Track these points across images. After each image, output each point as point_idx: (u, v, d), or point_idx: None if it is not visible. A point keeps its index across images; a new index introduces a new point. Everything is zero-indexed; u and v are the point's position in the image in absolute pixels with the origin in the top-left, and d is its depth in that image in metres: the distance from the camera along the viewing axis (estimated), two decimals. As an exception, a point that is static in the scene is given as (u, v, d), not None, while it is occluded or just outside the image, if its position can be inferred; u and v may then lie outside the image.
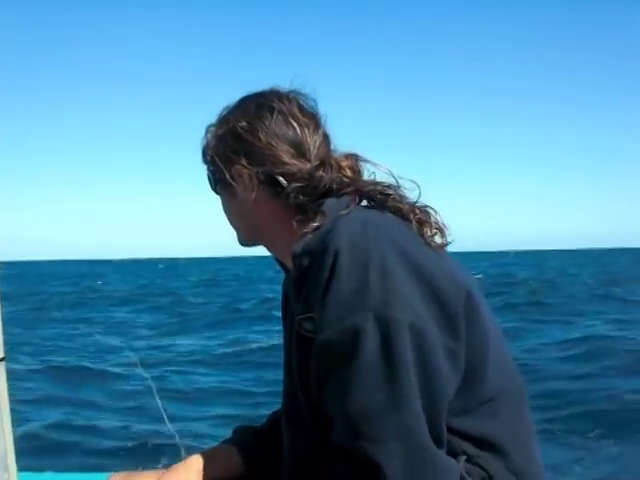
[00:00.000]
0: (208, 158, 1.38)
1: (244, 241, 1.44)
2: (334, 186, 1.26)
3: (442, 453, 1.11)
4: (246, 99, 1.38)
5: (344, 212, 1.21)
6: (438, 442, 1.10)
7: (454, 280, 1.16)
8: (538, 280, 33.25)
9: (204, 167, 1.43)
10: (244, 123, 1.31)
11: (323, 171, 1.27)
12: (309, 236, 1.22)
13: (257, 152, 1.30)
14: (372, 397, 1.07)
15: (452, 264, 1.23)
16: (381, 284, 1.09)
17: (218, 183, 1.39)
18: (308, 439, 1.26)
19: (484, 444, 1.17)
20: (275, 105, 1.32)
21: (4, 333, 1.29)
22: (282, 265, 1.42)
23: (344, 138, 1.39)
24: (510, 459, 1.19)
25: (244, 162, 1.31)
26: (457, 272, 1.21)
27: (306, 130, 1.31)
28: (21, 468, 1.40)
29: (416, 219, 1.23)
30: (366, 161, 1.33)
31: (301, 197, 1.27)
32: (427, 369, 1.09)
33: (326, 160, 1.29)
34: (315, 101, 1.37)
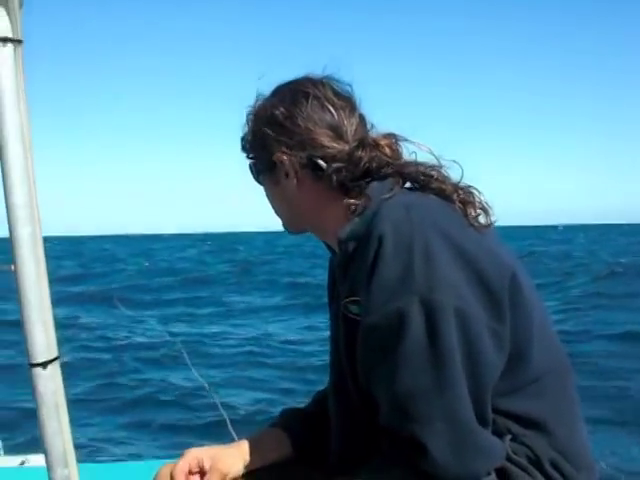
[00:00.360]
0: (248, 148, 1.42)
1: (290, 228, 1.45)
2: (373, 165, 1.28)
3: (487, 433, 1.14)
4: (281, 87, 1.39)
5: (388, 195, 1.23)
6: (483, 422, 1.13)
7: (498, 262, 1.18)
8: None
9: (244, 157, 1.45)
10: (282, 110, 1.33)
11: (362, 151, 1.28)
12: (354, 220, 1.24)
13: (296, 137, 1.31)
14: (418, 379, 1.10)
15: (497, 244, 1.25)
16: (425, 268, 1.11)
17: (260, 172, 1.41)
18: (356, 416, 1.30)
19: (530, 423, 1.20)
20: (310, 91, 1.34)
21: (57, 331, 1.31)
22: (328, 247, 1.45)
23: (376, 105, 1.43)
24: (555, 437, 1.21)
25: (284, 148, 1.32)
26: (502, 253, 1.22)
27: (342, 113, 1.33)
28: (81, 461, 1.42)
29: (459, 200, 1.25)
30: (405, 140, 1.33)
31: (342, 178, 1.28)
32: (472, 352, 1.11)
33: (364, 140, 1.30)
34: (350, 85, 1.38)
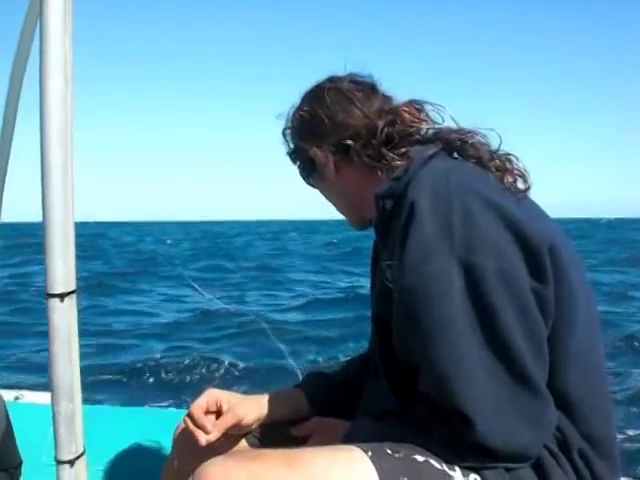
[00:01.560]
0: (293, 158, 1.48)
1: (355, 222, 1.48)
2: (394, 131, 1.31)
3: (542, 401, 1.10)
4: (305, 93, 1.45)
5: (426, 158, 1.23)
6: (539, 388, 1.10)
7: (538, 227, 1.15)
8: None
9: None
10: (306, 109, 1.41)
11: (379, 120, 1.33)
12: (396, 175, 1.25)
13: (322, 129, 1.38)
14: (463, 343, 1.07)
15: (537, 212, 1.24)
16: (464, 229, 1.09)
17: (308, 175, 1.47)
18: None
19: (567, 404, 1.16)
20: (326, 85, 1.41)
21: (76, 266, 1.30)
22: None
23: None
24: (588, 423, 1.18)
25: (315, 143, 1.39)
26: (542, 222, 1.21)
27: (361, 95, 1.38)
28: (84, 401, 1.42)
29: (495, 167, 1.24)
30: (426, 103, 1.36)
31: (370, 151, 1.33)
32: (521, 309, 1.08)
33: (381, 110, 1.35)
34: (370, 75, 1.44)
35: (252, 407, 1.46)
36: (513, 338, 1.07)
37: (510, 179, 1.23)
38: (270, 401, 1.49)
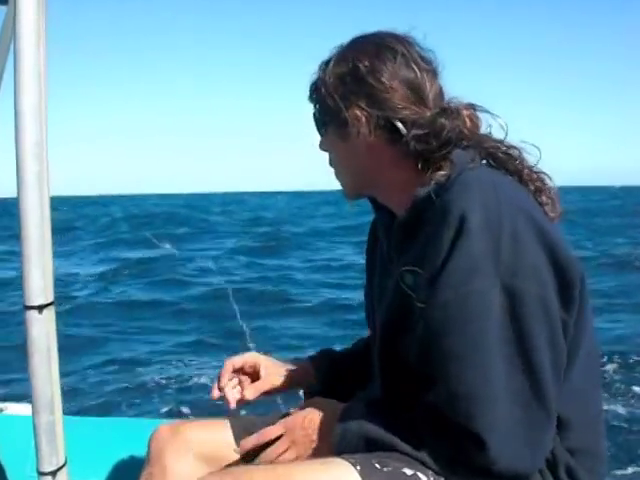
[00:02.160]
0: (321, 97, 1.31)
1: (350, 192, 1.38)
2: (453, 136, 1.21)
3: (551, 426, 1.11)
4: (363, 39, 1.31)
5: (472, 166, 1.18)
6: (552, 415, 1.11)
7: (573, 256, 1.14)
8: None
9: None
10: (365, 63, 1.25)
11: (444, 119, 1.22)
12: (438, 180, 1.19)
13: (378, 95, 1.24)
14: (495, 363, 1.05)
15: (564, 239, 1.19)
16: (512, 252, 1.07)
17: (329, 124, 1.33)
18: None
19: (558, 422, 1.15)
20: (397, 47, 1.26)
21: (54, 277, 1.30)
22: (377, 207, 1.42)
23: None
24: (577, 439, 1.18)
25: (363, 104, 1.25)
26: (571, 250, 1.17)
27: (426, 76, 1.26)
28: (67, 412, 1.42)
29: (534, 186, 1.22)
30: (484, 111, 1.27)
31: (422, 146, 1.21)
32: (552, 337, 1.08)
33: (447, 108, 1.24)
34: (432, 50, 1.31)
35: (280, 376, 1.56)
36: (543, 365, 1.06)
37: (545, 200, 1.21)
38: (291, 371, 1.57)
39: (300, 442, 1.26)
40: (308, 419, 1.28)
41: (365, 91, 1.24)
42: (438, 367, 1.09)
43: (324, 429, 1.25)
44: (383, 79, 1.23)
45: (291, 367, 1.58)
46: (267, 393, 1.54)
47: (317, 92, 1.32)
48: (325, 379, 1.58)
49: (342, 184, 1.38)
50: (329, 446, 1.21)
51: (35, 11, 1.25)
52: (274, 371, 1.55)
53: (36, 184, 1.23)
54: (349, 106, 1.26)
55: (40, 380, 1.27)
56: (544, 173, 1.25)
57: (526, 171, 1.22)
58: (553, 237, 1.11)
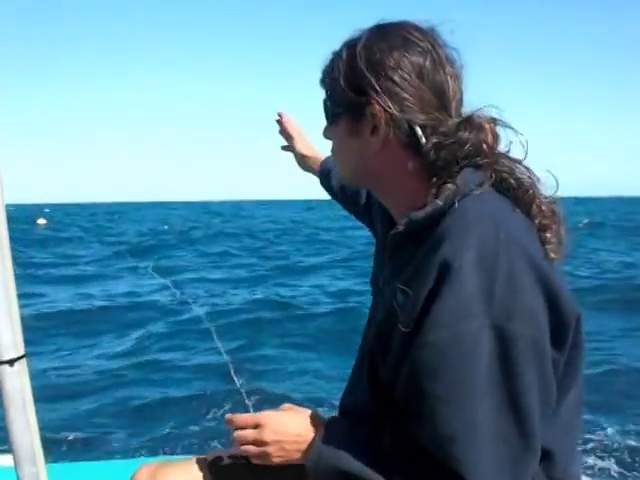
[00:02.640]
0: (337, 85, 1.22)
1: (349, 180, 1.37)
2: (473, 151, 1.16)
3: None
4: (390, 29, 1.22)
5: (477, 192, 1.13)
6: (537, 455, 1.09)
7: (569, 297, 1.11)
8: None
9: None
10: (394, 57, 1.16)
11: (468, 131, 1.15)
12: (434, 205, 1.13)
13: (400, 94, 1.15)
14: (483, 406, 1.02)
15: (564, 280, 1.16)
16: (506, 292, 1.03)
17: (342, 115, 1.25)
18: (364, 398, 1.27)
19: (542, 452, 1.13)
20: (426, 46, 1.18)
21: (24, 331, 1.31)
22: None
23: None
24: (554, 467, 1.18)
25: (385, 102, 1.16)
26: (568, 291, 1.14)
27: (451, 80, 1.19)
28: (52, 460, 1.42)
29: (541, 223, 1.16)
30: (507, 127, 1.20)
31: (439, 155, 1.15)
32: (543, 379, 1.06)
33: (471, 119, 1.17)
34: (457, 50, 1.22)
35: (306, 148, 2.05)
36: (532, 407, 1.04)
37: (549, 238, 1.14)
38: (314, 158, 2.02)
39: (269, 444, 1.22)
40: (282, 424, 1.24)
41: (389, 88, 1.15)
42: (423, 406, 1.06)
43: (295, 442, 1.22)
44: (410, 79, 1.15)
45: (314, 158, 2.03)
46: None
47: (332, 79, 1.23)
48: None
49: (340, 170, 1.36)
50: (297, 460, 1.21)
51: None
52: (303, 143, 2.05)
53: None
54: (369, 101, 1.17)
55: (18, 433, 1.28)
56: (555, 203, 1.18)
57: (537, 202, 1.16)
58: (551, 277, 1.07)
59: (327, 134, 1.33)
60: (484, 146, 1.16)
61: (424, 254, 1.10)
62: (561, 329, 1.08)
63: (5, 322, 1.27)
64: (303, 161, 2.06)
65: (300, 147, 2.05)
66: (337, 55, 1.23)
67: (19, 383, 1.28)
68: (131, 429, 6.43)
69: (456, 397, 1.03)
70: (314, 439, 1.21)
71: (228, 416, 1.25)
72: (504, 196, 1.17)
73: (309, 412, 1.28)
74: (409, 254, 1.16)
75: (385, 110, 1.16)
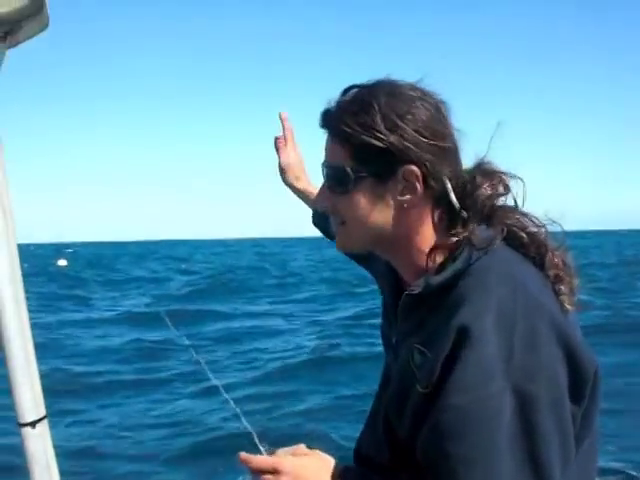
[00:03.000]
0: (362, 149, 1.17)
1: (360, 247, 1.28)
2: (488, 203, 1.17)
3: None
4: (397, 88, 1.20)
5: (491, 250, 1.13)
6: None
7: (588, 352, 1.12)
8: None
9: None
10: (413, 116, 1.15)
11: (485, 181, 1.18)
12: (455, 268, 1.13)
13: (428, 149, 1.15)
14: (505, 469, 1.02)
15: (580, 332, 1.16)
16: (525, 353, 1.04)
17: (364, 179, 1.19)
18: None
19: None
20: (432, 101, 1.19)
21: (43, 390, 1.32)
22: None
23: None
24: None
25: (417, 157, 1.14)
26: (586, 343, 1.14)
27: (455, 132, 1.21)
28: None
29: (555, 275, 1.16)
30: (515, 177, 1.21)
31: (465, 205, 1.16)
32: (563, 437, 1.06)
33: (483, 168, 1.20)
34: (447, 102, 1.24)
35: (300, 172, 1.88)
36: (553, 468, 1.04)
37: (563, 290, 1.15)
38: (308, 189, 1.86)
39: None
40: (301, 471, 1.21)
41: (417, 144, 1.14)
42: (445, 467, 1.06)
43: None
44: (431, 133, 1.15)
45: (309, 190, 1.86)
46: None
47: (351, 144, 1.18)
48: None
49: (353, 243, 1.28)
50: None
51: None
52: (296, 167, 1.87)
53: (13, 303, 1.26)
54: (400, 160, 1.15)
55: (43, 495, 1.28)
56: (567, 253, 1.19)
57: (549, 256, 1.16)
58: (569, 333, 1.08)
59: (336, 204, 1.24)
60: (495, 198, 1.18)
61: (443, 316, 1.11)
62: (580, 385, 1.08)
63: (25, 384, 1.28)
64: (289, 179, 1.88)
65: (292, 171, 1.86)
66: (351, 119, 1.18)
67: (41, 445, 1.29)
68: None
69: (478, 459, 1.03)
70: None
71: (243, 455, 1.21)
72: (516, 250, 1.17)
73: (327, 458, 1.27)
74: (425, 314, 1.16)
75: (418, 167, 1.15)
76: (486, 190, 1.17)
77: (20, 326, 1.29)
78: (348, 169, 1.18)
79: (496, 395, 1.03)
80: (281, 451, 1.27)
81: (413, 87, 1.21)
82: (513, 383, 1.03)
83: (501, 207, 1.19)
